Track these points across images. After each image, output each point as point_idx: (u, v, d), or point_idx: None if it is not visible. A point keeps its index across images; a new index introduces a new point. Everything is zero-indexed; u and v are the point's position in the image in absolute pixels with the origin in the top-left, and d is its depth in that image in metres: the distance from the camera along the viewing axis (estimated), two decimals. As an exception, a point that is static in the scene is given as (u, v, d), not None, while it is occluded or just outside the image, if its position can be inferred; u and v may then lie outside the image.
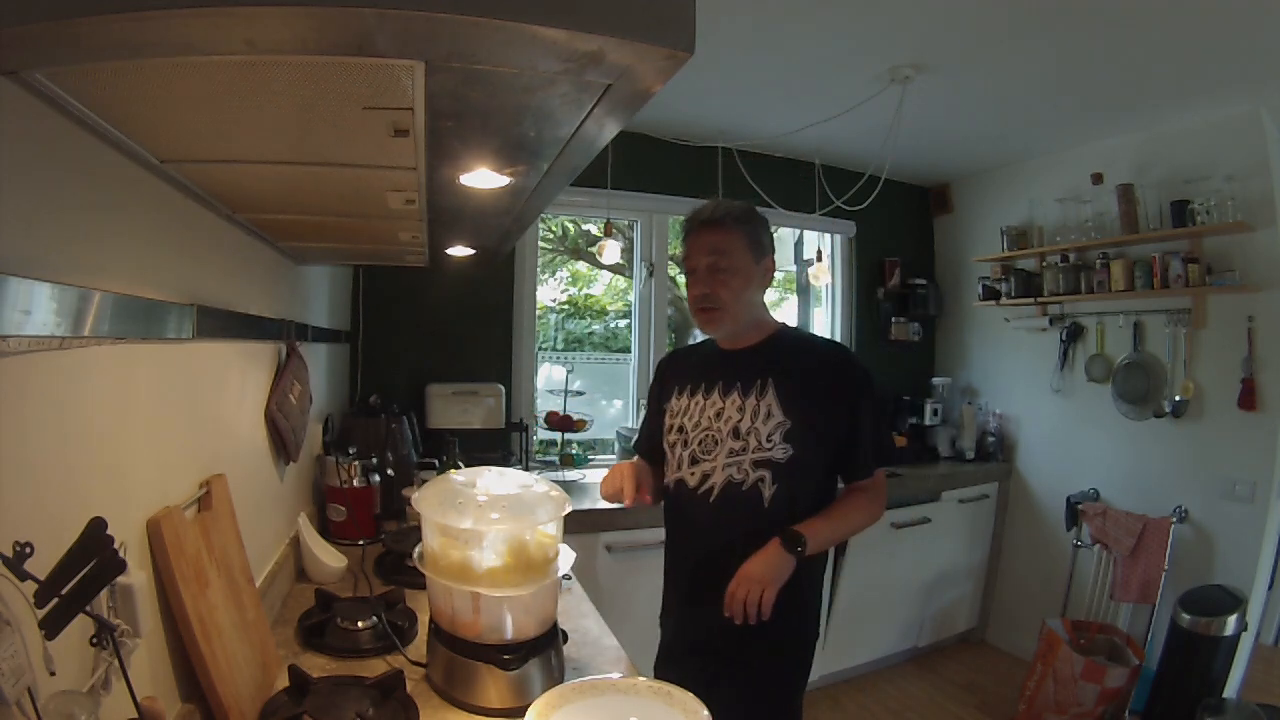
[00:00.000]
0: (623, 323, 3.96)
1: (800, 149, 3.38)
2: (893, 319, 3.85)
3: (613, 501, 1.49)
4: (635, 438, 1.78)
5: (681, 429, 1.52)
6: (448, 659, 1.16)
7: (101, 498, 0.73)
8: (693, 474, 1.48)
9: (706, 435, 1.47)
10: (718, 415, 1.47)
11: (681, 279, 4.44)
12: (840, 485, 1.54)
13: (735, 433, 1.44)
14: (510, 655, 1.13)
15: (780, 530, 1.37)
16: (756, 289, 1.50)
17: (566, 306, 4.12)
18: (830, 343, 1.60)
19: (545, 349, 3.58)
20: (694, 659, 1.46)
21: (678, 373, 1.61)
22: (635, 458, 1.63)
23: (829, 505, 1.48)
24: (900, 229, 3.92)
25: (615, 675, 1.22)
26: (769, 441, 1.41)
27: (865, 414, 1.46)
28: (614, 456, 3.28)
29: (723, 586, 1.37)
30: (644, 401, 3.39)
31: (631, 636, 1.55)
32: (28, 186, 0.61)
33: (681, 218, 3.89)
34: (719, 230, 1.46)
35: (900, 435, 3.62)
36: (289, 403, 1.55)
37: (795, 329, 1.62)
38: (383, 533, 1.99)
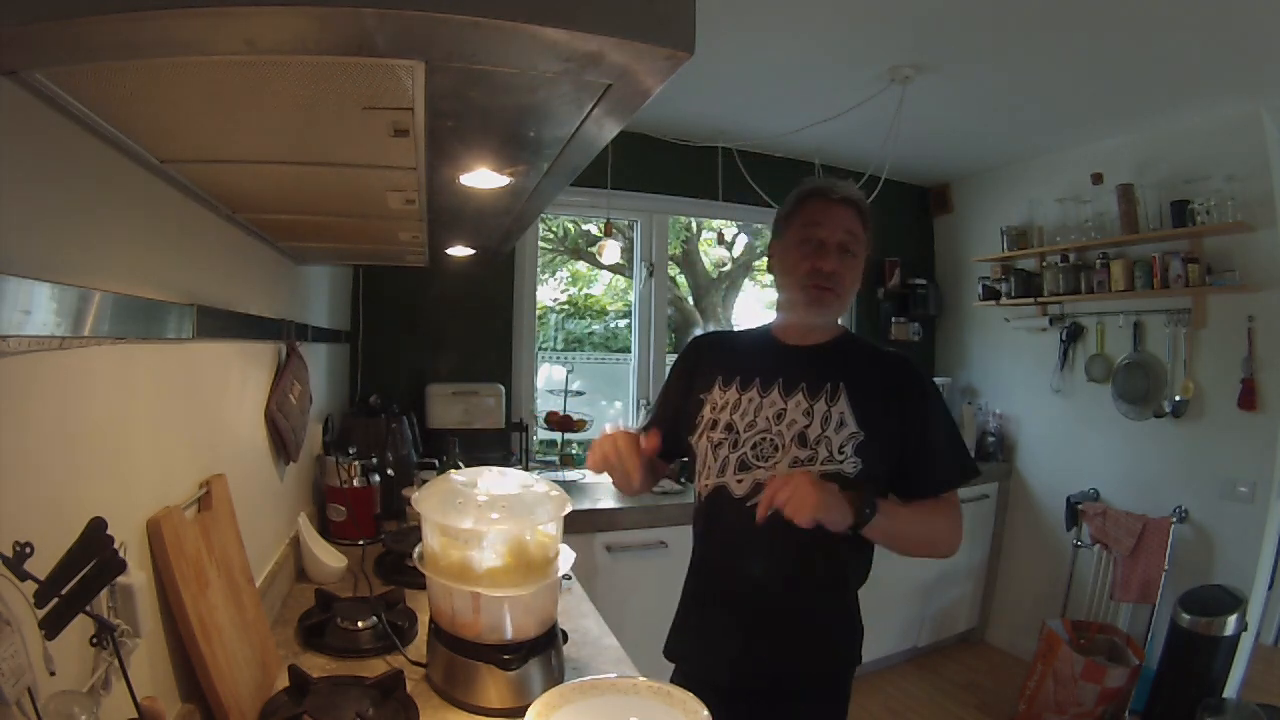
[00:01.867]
0: (623, 323, 3.97)
1: (800, 149, 3.38)
2: (893, 319, 3.85)
3: (602, 472, 1.29)
4: (648, 418, 1.54)
5: (730, 427, 1.33)
6: (448, 659, 1.16)
7: (101, 498, 0.73)
8: (740, 481, 1.30)
9: (764, 439, 1.30)
10: (778, 417, 1.30)
11: (682, 279, 4.45)
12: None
13: (801, 440, 1.27)
14: (510, 655, 1.13)
15: (858, 485, 1.21)
16: (860, 276, 1.37)
17: (566, 306, 4.12)
18: (894, 351, 1.43)
19: (545, 349, 3.59)
20: (743, 695, 1.27)
21: (722, 359, 1.41)
22: (621, 425, 1.35)
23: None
24: (900, 229, 3.92)
25: (615, 675, 1.22)
26: (840, 453, 1.25)
27: (939, 423, 1.31)
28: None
29: (780, 616, 1.26)
30: (644, 401, 3.40)
31: (631, 637, 1.55)
32: (28, 186, 0.61)
33: (681, 218, 3.91)
34: (856, 212, 1.32)
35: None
36: (289, 403, 1.55)
37: (857, 334, 1.50)
38: (383, 533, 1.99)
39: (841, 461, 1.26)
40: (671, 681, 1.37)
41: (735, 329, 1.67)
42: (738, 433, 1.32)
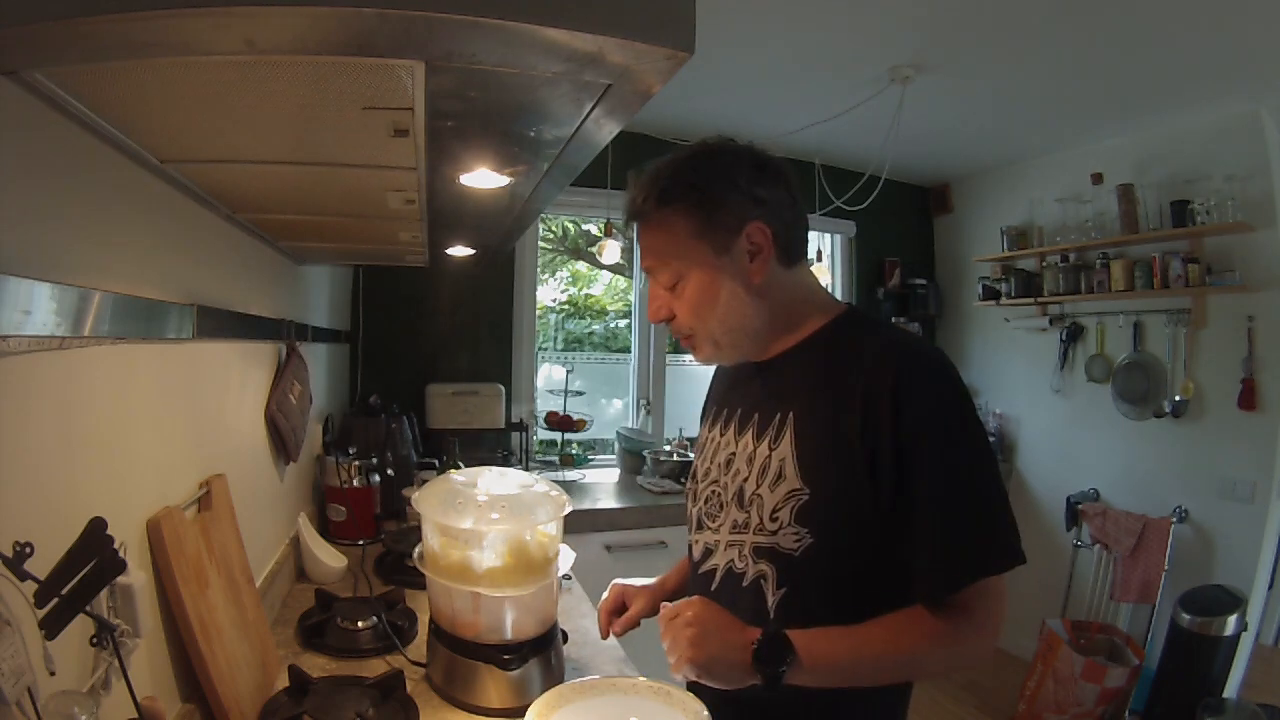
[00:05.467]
0: (623, 323, 3.97)
1: (800, 149, 3.38)
2: (893, 319, 3.85)
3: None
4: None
5: (693, 475, 1.08)
6: (448, 659, 1.16)
7: (101, 498, 0.73)
8: (697, 542, 1.04)
9: (714, 492, 1.00)
10: (727, 463, 0.99)
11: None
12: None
13: (739, 498, 0.94)
14: (510, 655, 1.13)
15: (773, 627, 0.83)
16: (739, 286, 0.92)
17: (566, 306, 4.12)
18: (899, 345, 0.87)
19: (545, 349, 3.59)
20: None
21: (714, 390, 1.15)
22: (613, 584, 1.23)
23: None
24: (900, 229, 3.92)
25: (615, 675, 1.22)
26: (774, 520, 0.88)
27: (936, 475, 0.81)
28: (614, 457, 3.28)
29: (778, 711, 0.89)
30: (644, 401, 3.40)
31: (632, 636, 1.54)
32: (28, 186, 0.61)
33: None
34: (647, 226, 0.97)
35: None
36: (289, 403, 1.55)
37: (861, 315, 0.99)
38: (383, 533, 1.99)
39: (775, 532, 0.87)
40: None
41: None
42: (698, 483, 1.05)
